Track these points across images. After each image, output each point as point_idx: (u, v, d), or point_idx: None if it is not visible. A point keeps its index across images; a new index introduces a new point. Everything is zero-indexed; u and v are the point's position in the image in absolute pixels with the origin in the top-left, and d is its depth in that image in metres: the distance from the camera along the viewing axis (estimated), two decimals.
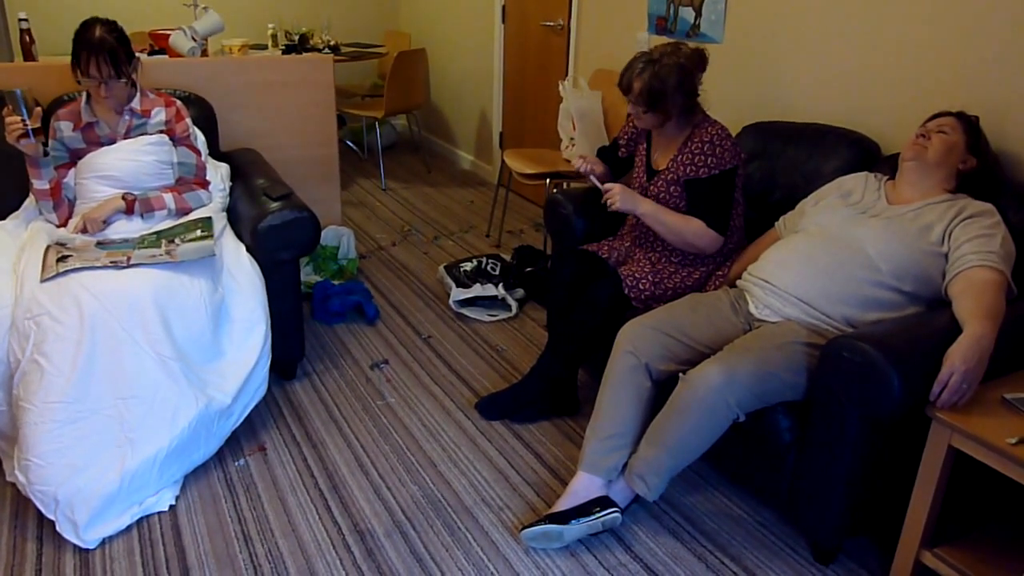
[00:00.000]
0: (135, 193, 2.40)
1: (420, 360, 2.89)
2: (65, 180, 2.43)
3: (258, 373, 2.31)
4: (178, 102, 2.56)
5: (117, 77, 2.30)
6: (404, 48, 4.96)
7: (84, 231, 2.33)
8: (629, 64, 2.29)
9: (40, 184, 2.36)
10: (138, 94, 2.46)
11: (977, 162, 2.00)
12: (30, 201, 2.50)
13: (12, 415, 2.04)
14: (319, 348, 2.94)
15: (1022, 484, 1.51)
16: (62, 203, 2.42)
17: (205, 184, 2.57)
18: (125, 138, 2.44)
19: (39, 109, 2.25)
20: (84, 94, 2.41)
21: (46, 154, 2.33)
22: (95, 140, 2.42)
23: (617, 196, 2.32)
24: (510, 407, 2.51)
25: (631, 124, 2.55)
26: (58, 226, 2.40)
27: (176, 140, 2.51)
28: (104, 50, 2.25)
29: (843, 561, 1.97)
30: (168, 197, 2.44)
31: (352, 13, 5.88)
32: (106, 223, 2.36)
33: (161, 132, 2.48)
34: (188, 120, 2.56)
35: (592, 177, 2.44)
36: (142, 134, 2.46)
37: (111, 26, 2.32)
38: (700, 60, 2.29)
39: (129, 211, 2.38)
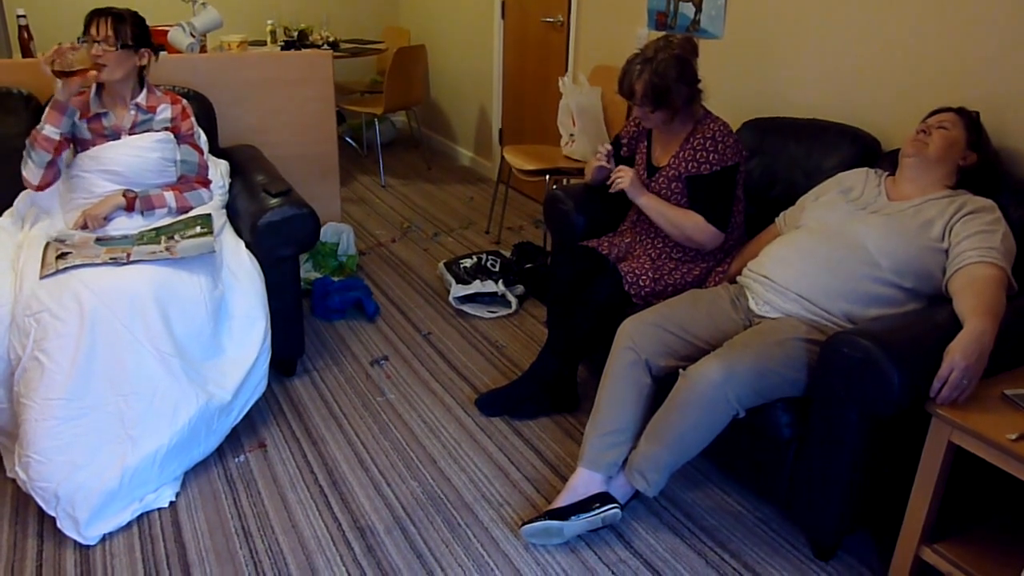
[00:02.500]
0: (136, 190, 2.39)
1: (420, 357, 2.89)
2: (61, 155, 2.38)
3: (258, 370, 2.31)
4: (184, 100, 2.56)
5: (115, 38, 2.29)
6: (403, 44, 4.95)
7: (84, 227, 2.32)
8: (625, 69, 2.28)
9: (53, 132, 2.30)
10: (144, 90, 2.46)
11: (978, 158, 2.00)
12: (23, 196, 2.49)
13: (13, 412, 2.04)
14: (319, 345, 2.94)
15: (1022, 480, 1.51)
16: (54, 165, 2.36)
17: (207, 183, 2.57)
18: (130, 133, 2.43)
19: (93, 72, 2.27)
20: (93, 86, 2.40)
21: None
22: (100, 132, 2.41)
23: (627, 178, 2.34)
24: (510, 403, 2.51)
25: (632, 123, 2.54)
26: (36, 188, 2.36)
27: (180, 138, 2.50)
28: (111, 13, 2.28)
29: (843, 557, 1.98)
30: (169, 195, 2.44)
31: (351, 9, 5.87)
32: (107, 220, 2.35)
33: (166, 129, 2.48)
34: (193, 119, 2.56)
35: (603, 151, 2.47)
36: (147, 130, 2.45)
37: (132, 11, 2.36)
38: (692, 47, 2.29)
39: (130, 208, 2.37)
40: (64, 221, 2.40)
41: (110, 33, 2.28)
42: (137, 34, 2.35)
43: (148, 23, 2.42)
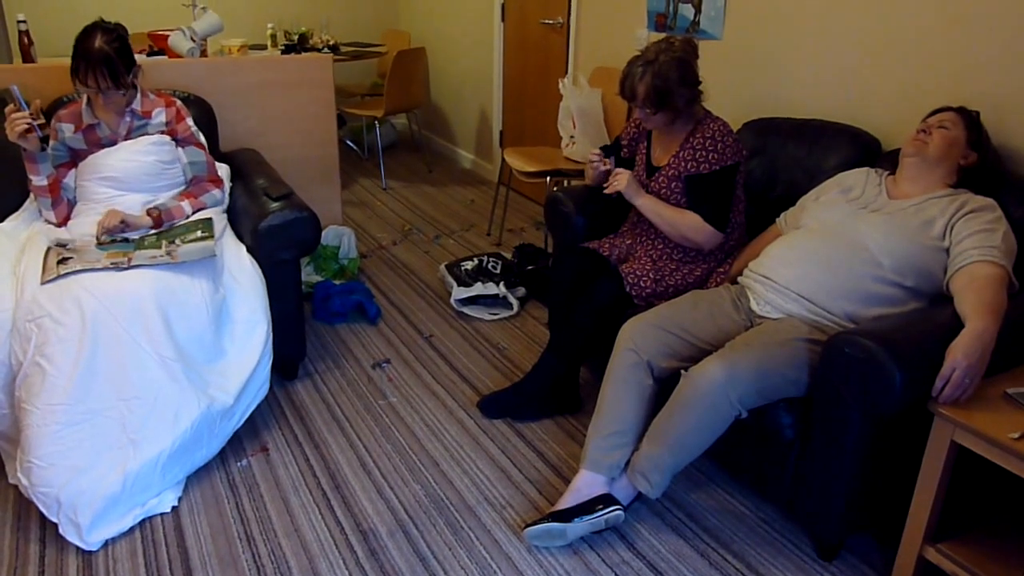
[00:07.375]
0: (158, 207, 2.39)
1: (422, 359, 2.89)
2: (65, 180, 2.42)
3: (260, 373, 2.31)
4: (178, 102, 2.55)
5: (116, 88, 2.29)
6: (404, 47, 4.95)
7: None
8: (627, 71, 2.28)
9: (38, 180, 2.35)
10: (139, 95, 2.45)
11: (978, 157, 2.00)
12: (29, 202, 2.50)
13: (14, 417, 2.04)
14: (320, 348, 2.95)
15: None
16: (60, 201, 2.41)
17: (219, 182, 2.57)
18: (126, 139, 2.43)
19: (37, 102, 2.23)
20: (85, 96, 2.41)
21: (43, 149, 2.30)
22: (96, 141, 2.42)
23: (624, 180, 2.34)
24: (512, 405, 2.51)
25: (632, 125, 2.54)
26: (57, 225, 2.40)
27: (180, 140, 2.50)
28: (102, 62, 2.22)
29: (846, 557, 1.97)
30: (186, 204, 2.44)
31: (351, 12, 5.88)
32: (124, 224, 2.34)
33: (162, 133, 2.48)
34: (189, 119, 2.55)
35: (595, 157, 2.46)
36: (143, 135, 2.45)
37: (112, 34, 2.27)
38: (693, 48, 2.30)
39: (157, 225, 2.37)
40: (66, 228, 2.40)
41: (110, 84, 2.26)
42: (127, 61, 2.30)
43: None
